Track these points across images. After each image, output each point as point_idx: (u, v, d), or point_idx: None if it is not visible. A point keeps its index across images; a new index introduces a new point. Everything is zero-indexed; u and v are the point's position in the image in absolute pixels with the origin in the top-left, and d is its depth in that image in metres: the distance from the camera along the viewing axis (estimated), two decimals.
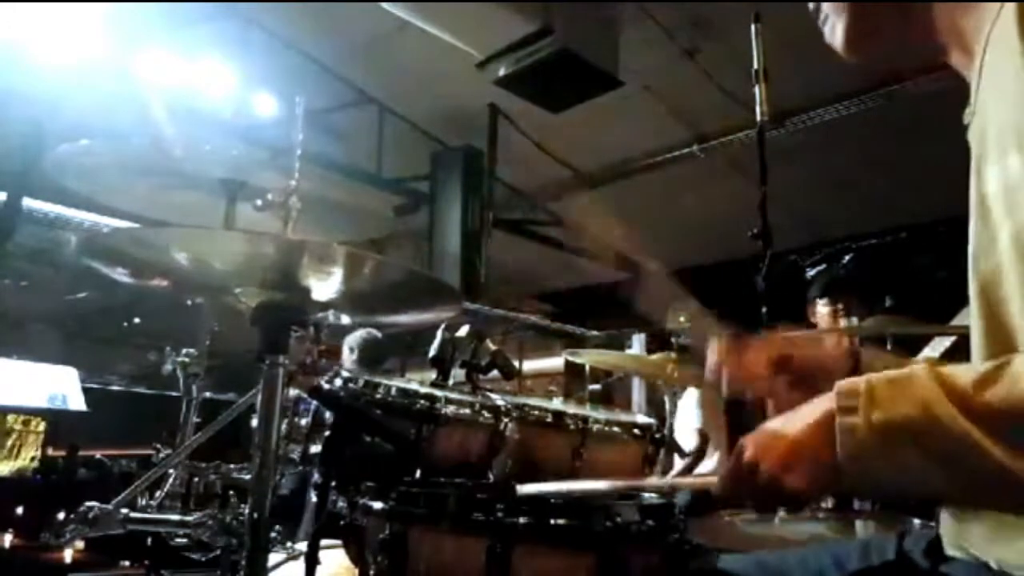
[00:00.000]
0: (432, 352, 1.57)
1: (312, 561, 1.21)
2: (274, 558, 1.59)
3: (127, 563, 3.54)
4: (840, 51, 1.04)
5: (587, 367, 4.26)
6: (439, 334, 1.59)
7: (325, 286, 1.24)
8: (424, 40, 4.67)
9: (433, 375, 1.57)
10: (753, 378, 1.07)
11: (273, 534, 1.49)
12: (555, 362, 6.45)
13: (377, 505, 1.16)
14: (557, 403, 1.56)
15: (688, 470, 1.41)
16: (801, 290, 3.23)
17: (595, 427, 1.44)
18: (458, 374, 1.60)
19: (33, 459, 3.80)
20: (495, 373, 1.62)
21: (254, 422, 1.31)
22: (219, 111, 5.10)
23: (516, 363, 2.34)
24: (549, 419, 1.41)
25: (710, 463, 2.39)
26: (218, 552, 1.72)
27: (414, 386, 1.43)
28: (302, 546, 1.57)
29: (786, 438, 0.84)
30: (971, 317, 0.90)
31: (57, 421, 3.87)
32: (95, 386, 4.45)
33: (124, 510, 1.58)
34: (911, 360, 1.09)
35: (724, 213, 4.27)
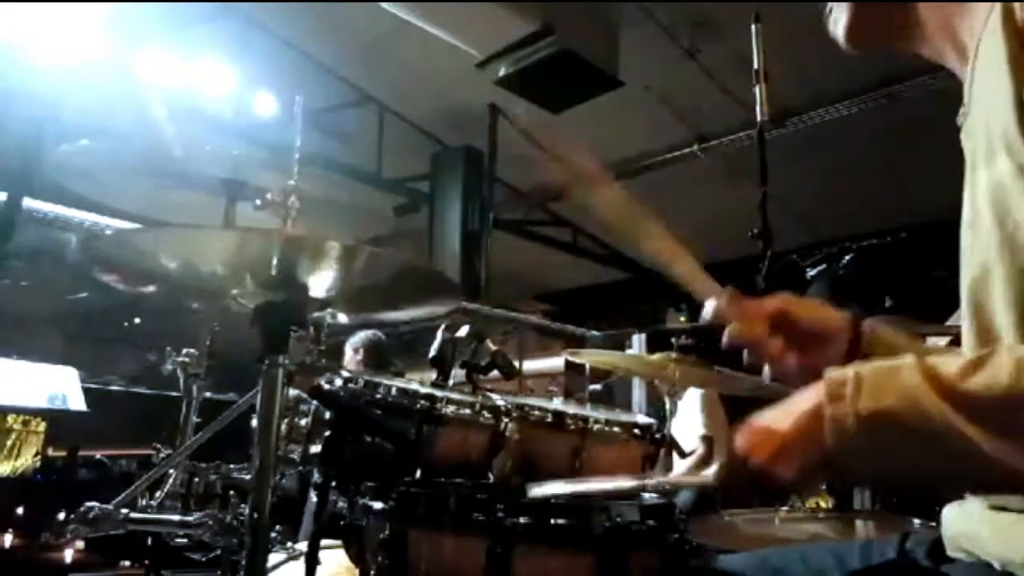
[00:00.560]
0: (432, 352, 1.57)
1: (312, 561, 1.21)
2: (274, 558, 1.59)
3: (127, 563, 3.54)
4: (841, 42, 1.05)
5: (587, 367, 4.26)
6: (439, 334, 1.59)
7: (323, 282, 1.24)
8: (424, 40, 4.67)
9: (433, 375, 1.57)
10: (753, 333, 1.07)
11: (273, 534, 1.49)
12: (555, 362, 6.44)
13: (377, 505, 1.16)
14: (557, 403, 1.56)
15: (692, 473, 1.41)
16: (801, 290, 3.23)
17: (595, 427, 1.44)
18: (458, 374, 1.60)
19: (33, 459, 3.80)
20: (495, 373, 1.62)
21: (254, 422, 1.31)
22: (219, 111, 5.10)
23: (516, 363, 2.33)
24: (549, 419, 1.41)
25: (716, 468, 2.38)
26: (218, 552, 1.72)
27: (414, 386, 1.43)
28: (302, 546, 1.58)
29: (777, 429, 0.85)
30: (963, 316, 0.91)
31: (57, 421, 3.87)
32: (95, 386, 4.44)
33: (124, 510, 1.58)
34: (912, 337, 1.10)
35: (724, 213, 4.28)
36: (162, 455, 2.00)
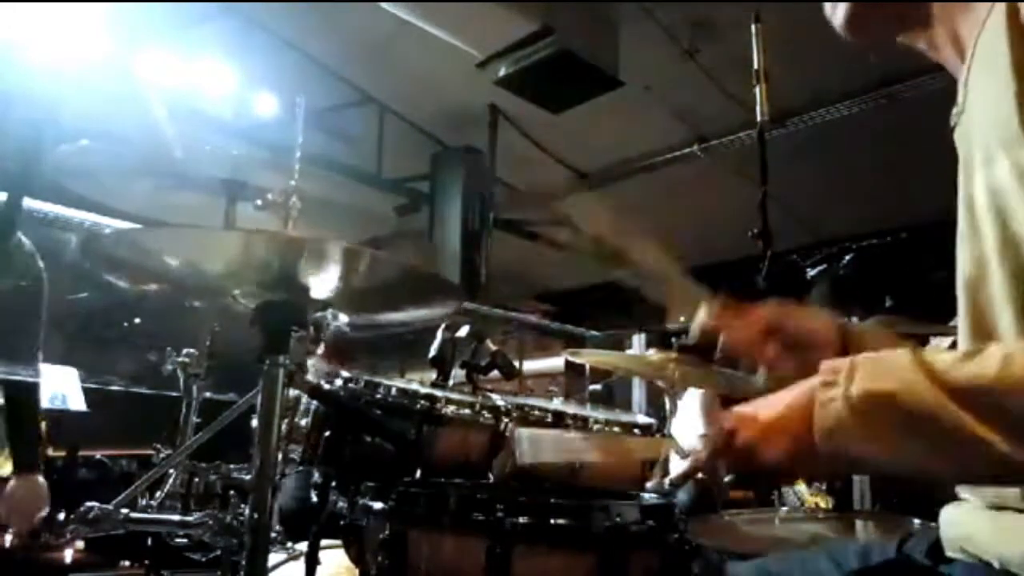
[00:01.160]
0: (432, 352, 1.57)
1: (312, 561, 1.21)
2: (274, 558, 1.59)
3: (127, 563, 3.53)
4: (841, 32, 1.04)
5: (587, 367, 4.26)
6: (439, 334, 1.59)
7: (324, 284, 1.24)
8: (424, 40, 4.67)
9: (433, 375, 1.57)
10: (746, 341, 1.07)
11: (273, 534, 1.49)
12: (555, 362, 6.44)
13: (377, 505, 1.16)
14: (557, 403, 1.56)
15: (691, 474, 1.41)
16: (801, 290, 3.23)
17: (595, 427, 1.44)
18: (458, 374, 1.60)
19: None
20: (495, 373, 1.62)
21: (254, 422, 1.31)
22: (220, 111, 5.10)
23: (516, 363, 2.33)
24: (549, 419, 1.41)
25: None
26: (218, 552, 1.72)
27: (414, 386, 1.43)
28: (302, 546, 1.58)
29: (767, 409, 0.86)
30: (958, 316, 0.92)
31: (57, 421, 3.87)
32: (95, 386, 4.44)
33: (124, 510, 1.58)
34: (901, 339, 1.10)
35: (724, 213, 4.28)
36: (162, 455, 2.00)
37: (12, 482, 2.26)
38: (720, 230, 4.51)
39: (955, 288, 0.94)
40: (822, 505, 2.60)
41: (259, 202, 1.55)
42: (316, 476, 1.35)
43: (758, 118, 2.82)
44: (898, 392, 0.76)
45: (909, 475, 0.88)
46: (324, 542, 1.27)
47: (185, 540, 1.70)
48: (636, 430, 1.51)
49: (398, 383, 1.41)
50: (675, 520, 1.15)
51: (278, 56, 5.32)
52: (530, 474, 1.29)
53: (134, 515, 1.63)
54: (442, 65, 5.12)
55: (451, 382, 1.56)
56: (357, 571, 1.23)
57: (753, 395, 0.92)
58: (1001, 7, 0.83)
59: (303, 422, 1.96)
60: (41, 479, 2.29)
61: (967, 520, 0.92)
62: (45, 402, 3.70)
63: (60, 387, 3.82)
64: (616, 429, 1.48)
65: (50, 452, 3.91)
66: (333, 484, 1.26)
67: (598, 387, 4.34)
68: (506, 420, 1.34)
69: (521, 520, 1.05)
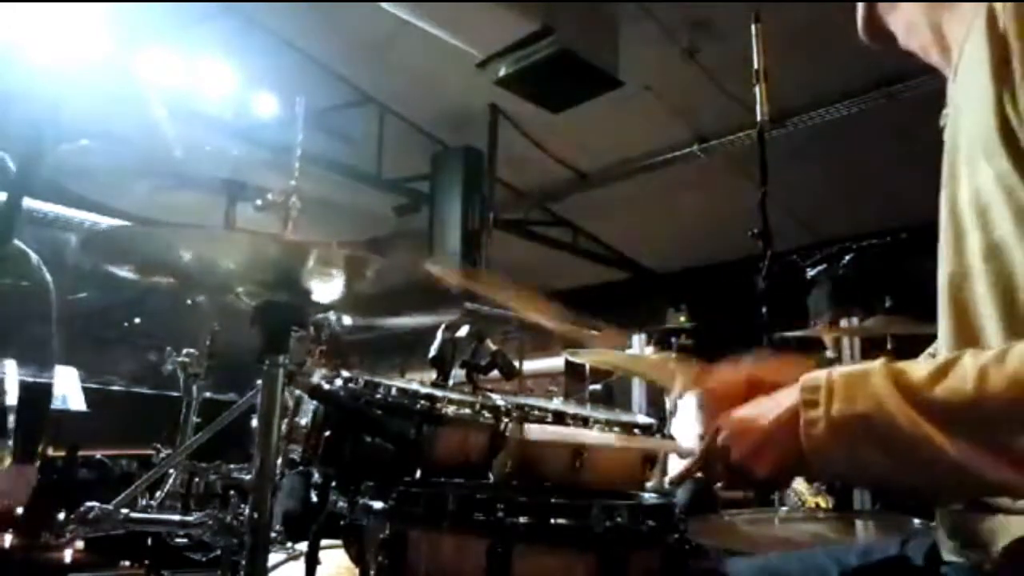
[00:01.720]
0: (432, 352, 1.57)
1: (312, 561, 1.21)
2: (274, 558, 1.59)
3: (127, 563, 3.53)
4: (863, 39, 1.09)
5: (587, 367, 4.26)
6: (439, 334, 1.59)
7: (326, 288, 1.24)
8: (424, 40, 4.67)
9: (433, 375, 1.57)
10: (728, 402, 1.07)
11: (273, 534, 1.49)
12: (555, 362, 6.45)
13: (377, 505, 1.16)
14: (557, 403, 1.56)
15: (690, 474, 1.41)
16: (801, 290, 3.23)
17: (595, 427, 1.44)
18: (458, 374, 1.60)
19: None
20: (495, 373, 1.62)
21: (254, 422, 1.31)
22: (220, 111, 5.10)
23: (516, 363, 2.33)
24: (549, 419, 1.41)
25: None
26: (218, 552, 1.72)
27: (414, 386, 1.43)
28: (302, 546, 1.58)
29: (757, 427, 0.88)
30: (939, 314, 0.93)
31: (57, 421, 3.87)
32: (95, 386, 4.44)
33: (124, 510, 1.58)
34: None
35: (724, 213, 4.28)
36: (162, 455, 2.00)
37: (4, 466, 2.29)
38: (720, 230, 4.51)
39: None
40: (822, 505, 2.60)
41: (259, 202, 1.55)
42: (316, 476, 1.35)
43: (758, 118, 2.82)
44: (874, 413, 0.78)
45: (897, 492, 0.90)
46: (324, 542, 1.27)
47: (185, 540, 1.70)
48: (636, 430, 1.50)
49: (398, 383, 1.40)
50: (675, 520, 1.15)
51: (278, 56, 5.32)
52: (530, 474, 1.29)
53: (134, 515, 1.63)
54: (442, 65, 5.13)
55: (451, 382, 1.56)
56: (357, 571, 1.23)
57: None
58: (983, 10, 0.83)
59: (303, 422, 1.95)
60: (32, 470, 2.31)
61: (962, 522, 0.93)
62: None
63: (60, 387, 3.82)
64: (616, 429, 1.48)
65: (50, 452, 3.92)
66: (333, 484, 1.26)
67: (598, 387, 4.34)
68: (506, 420, 1.34)
69: (521, 520, 1.05)
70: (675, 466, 1.94)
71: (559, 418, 1.42)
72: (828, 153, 5.25)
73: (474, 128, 5.86)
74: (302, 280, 1.20)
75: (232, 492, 1.82)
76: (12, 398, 2.35)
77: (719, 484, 1.00)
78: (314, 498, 1.28)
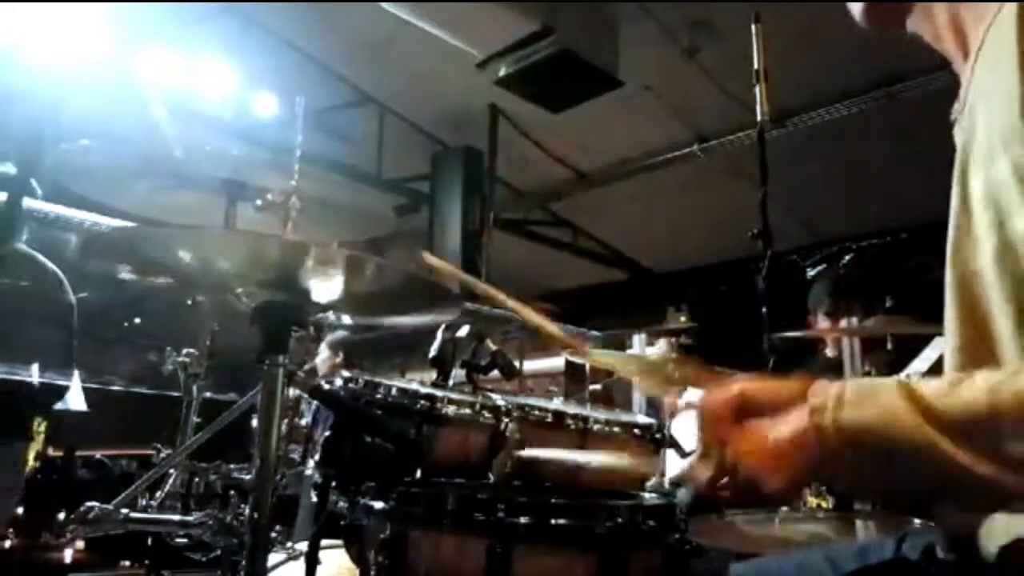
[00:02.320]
0: (432, 352, 1.57)
1: (312, 561, 1.21)
2: (274, 558, 1.59)
3: (127, 563, 3.54)
4: (859, 22, 1.06)
5: (587, 367, 4.26)
6: (439, 334, 1.59)
7: (325, 287, 1.24)
8: (424, 40, 4.67)
9: (433, 375, 1.57)
10: (717, 417, 1.05)
11: (273, 534, 1.49)
12: (555, 362, 6.44)
13: (377, 505, 1.16)
14: (557, 403, 1.56)
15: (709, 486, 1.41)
16: (801, 290, 3.23)
17: (595, 427, 1.44)
18: (458, 374, 1.60)
19: (34, 459, 3.80)
20: (495, 373, 1.62)
21: (254, 422, 1.31)
22: (220, 111, 5.10)
23: (516, 363, 2.33)
24: (549, 419, 1.41)
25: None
26: (218, 552, 1.72)
27: (414, 386, 1.43)
28: (302, 546, 1.58)
29: (766, 440, 0.86)
30: (947, 308, 0.92)
31: (57, 421, 3.87)
32: (95, 386, 4.44)
33: (124, 510, 1.59)
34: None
35: (724, 213, 4.28)
36: (162, 455, 2.00)
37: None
38: (720, 230, 4.51)
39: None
40: (822, 505, 2.60)
41: (259, 202, 1.55)
42: (316, 476, 1.35)
43: (758, 118, 2.82)
44: (884, 423, 0.77)
45: (901, 500, 0.89)
46: (324, 542, 1.27)
47: (185, 540, 1.71)
48: (636, 430, 1.50)
49: (398, 383, 1.40)
50: (675, 520, 1.15)
51: (278, 56, 5.32)
52: (530, 474, 1.29)
53: (134, 515, 1.63)
54: (442, 65, 5.13)
55: (451, 382, 1.56)
56: (357, 571, 1.23)
57: None
58: (1011, 7, 0.82)
59: (303, 422, 1.96)
60: None
61: (958, 519, 0.93)
62: None
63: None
64: (616, 429, 1.48)
65: (50, 452, 3.92)
66: (333, 484, 1.26)
67: (598, 387, 4.34)
68: (506, 420, 1.34)
69: (521, 520, 1.05)
70: (675, 466, 1.94)
71: (559, 419, 1.43)
72: (828, 153, 5.25)
73: (474, 128, 5.86)
74: (301, 280, 1.20)
75: (232, 492, 1.82)
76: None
77: (728, 500, 0.96)
78: (314, 498, 1.28)
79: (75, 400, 3.90)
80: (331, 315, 1.36)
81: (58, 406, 3.79)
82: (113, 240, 1.27)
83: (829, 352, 3.16)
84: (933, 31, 0.99)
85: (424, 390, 1.38)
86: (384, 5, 4.41)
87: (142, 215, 1.71)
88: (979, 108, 0.87)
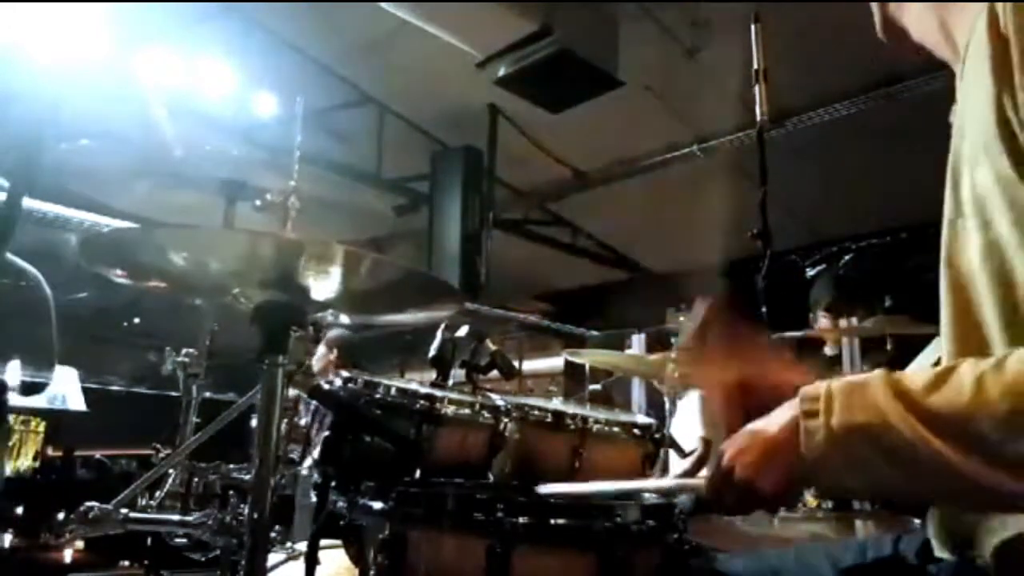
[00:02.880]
0: (432, 352, 1.57)
1: (312, 561, 1.21)
2: (273, 558, 1.59)
3: (127, 563, 3.54)
4: (881, 38, 1.08)
5: (587, 367, 4.26)
6: (439, 334, 1.59)
7: (324, 286, 1.24)
8: (424, 40, 4.67)
9: (433, 375, 1.57)
10: (730, 404, 1.05)
11: (273, 534, 1.49)
12: (555, 362, 6.45)
13: (377, 505, 1.16)
14: (557, 403, 1.56)
15: (690, 475, 1.41)
16: (801, 290, 3.23)
17: (595, 427, 1.44)
18: (458, 374, 1.60)
19: (34, 459, 3.81)
20: (495, 373, 1.62)
21: (254, 422, 1.31)
22: (219, 111, 5.10)
23: (516, 363, 2.33)
24: (549, 419, 1.41)
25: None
26: (218, 552, 1.72)
27: (414, 386, 1.43)
28: (302, 546, 1.58)
29: (758, 443, 0.87)
30: (942, 307, 0.93)
31: (57, 421, 3.87)
32: (95, 386, 4.45)
33: (124, 510, 1.59)
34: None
35: (724, 213, 4.27)
36: (162, 455, 2.00)
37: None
38: (720, 230, 4.51)
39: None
40: (822, 505, 2.60)
41: (258, 202, 1.55)
42: (313, 476, 1.35)
43: (758, 118, 2.81)
44: (874, 423, 0.78)
45: (902, 500, 0.89)
46: (324, 542, 1.27)
47: (185, 540, 1.71)
48: (636, 430, 1.50)
49: (398, 383, 1.40)
50: (675, 520, 1.15)
51: (278, 56, 5.31)
52: (530, 474, 1.29)
53: (134, 515, 1.63)
54: (442, 65, 5.12)
55: (451, 382, 1.56)
56: (357, 571, 1.23)
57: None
58: (986, 10, 0.83)
59: (303, 422, 1.95)
60: None
61: (953, 519, 0.93)
62: (45, 402, 3.71)
63: (60, 387, 3.82)
64: (616, 429, 1.48)
65: (50, 452, 3.92)
66: (333, 484, 1.26)
67: (598, 387, 4.34)
68: (506, 420, 1.34)
69: (521, 520, 1.05)
70: (675, 466, 1.94)
71: (558, 418, 1.43)
72: (828, 153, 5.25)
73: (474, 128, 5.85)
74: (300, 278, 1.20)
75: (232, 492, 1.82)
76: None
77: (728, 511, 0.97)
78: (314, 498, 1.28)
79: (74, 400, 3.91)
80: (330, 314, 1.36)
81: (58, 406, 3.79)
82: (110, 242, 1.27)
83: (828, 351, 3.16)
84: (931, 41, 1.01)
85: (423, 390, 1.38)
86: (384, 5, 4.41)
87: (141, 215, 1.71)
88: (967, 111, 0.88)
